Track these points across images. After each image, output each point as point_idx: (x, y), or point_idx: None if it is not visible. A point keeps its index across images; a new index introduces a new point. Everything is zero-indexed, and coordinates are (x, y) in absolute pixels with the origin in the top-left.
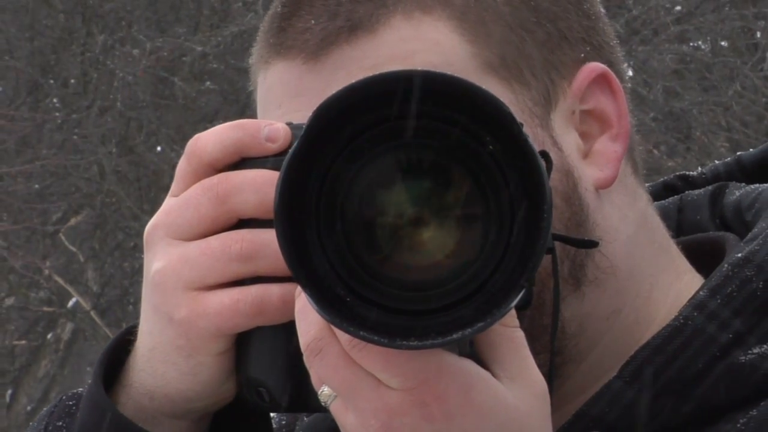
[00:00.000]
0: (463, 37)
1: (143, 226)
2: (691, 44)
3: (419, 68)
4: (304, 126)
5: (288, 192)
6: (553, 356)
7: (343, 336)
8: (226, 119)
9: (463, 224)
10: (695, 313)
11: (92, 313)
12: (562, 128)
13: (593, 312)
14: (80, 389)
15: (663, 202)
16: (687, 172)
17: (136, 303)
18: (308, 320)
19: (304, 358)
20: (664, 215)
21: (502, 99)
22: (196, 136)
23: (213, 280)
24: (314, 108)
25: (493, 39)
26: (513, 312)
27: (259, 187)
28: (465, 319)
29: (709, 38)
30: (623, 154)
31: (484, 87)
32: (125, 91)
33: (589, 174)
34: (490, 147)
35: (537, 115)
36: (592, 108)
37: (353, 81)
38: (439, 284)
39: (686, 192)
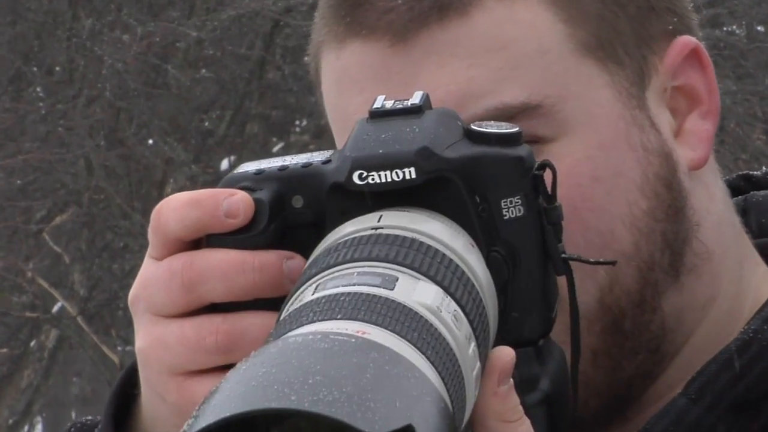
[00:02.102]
0: (558, 16)
1: (134, 225)
2: (725, 29)
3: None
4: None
5: None
6: (575, 389)
7: None
8: (222, 109)
9: None
10: (765, 327)
11: (79, 318)
12: (656, 107)
13: (691, 302)
14: (89, 418)
15: None
16: (750, 172)
17: (127, 309)
18: None
19: None
20: None
21: (599, 81)
22: (158, 207)
23: (194, 368)
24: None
25: (587, 16)
26: (517, 401)
27: (225, 273)
28: None
29: (744, 22)
30: (714, 132)
31: (571, 75)
32: (114, 80)
33: (682, 155)
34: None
35: (634, 95)
36: (682, 84)
37: (441, 75)
38: None
39: (751, 193)
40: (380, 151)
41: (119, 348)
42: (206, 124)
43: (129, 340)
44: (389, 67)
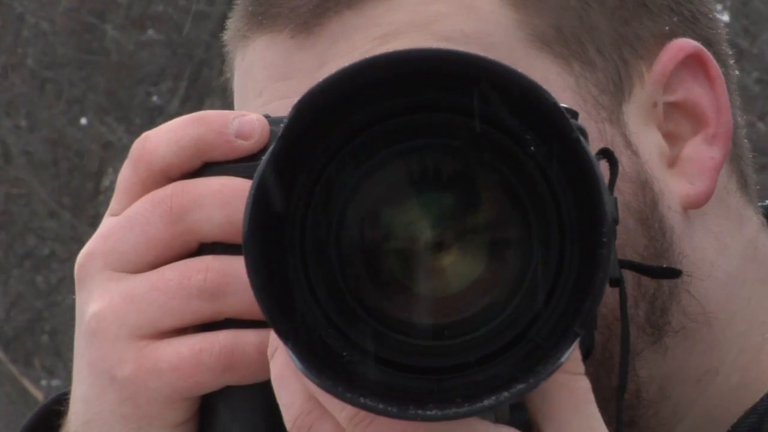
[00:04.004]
0: (507, 0)
1: (63, 226)
2: None
3: (433, 46)
4: (284, 120)
5: (262, 210)
6: (620, 427)
7: (336, 408)
8: (175, 80)
9: (496, 251)
10: None
11: None
12: (638, 125)
13: (680, 372)
14: None
15: None
16: None
17: (54, 333)
18: (292, 387)
19: None
20: None
21: (558, 83)
22: (144, 135)
23: (167, 324)
24: (303, 92)
25: (546, 3)
26: (577, 354)
27: (227, 200)
28: (500, 379)
29: None
30: (722, 161)
31: (522, 69)
32: (38, 43)
33: (675, 188)
34: (531, 148)
35: (604, 105)
36: (680, 99)
37: (353, 60)
38: (466, 331)
39: None
40: None
41: (43, 382)
42: (154, 98)
43: (56, 371)
44: (292, 62)
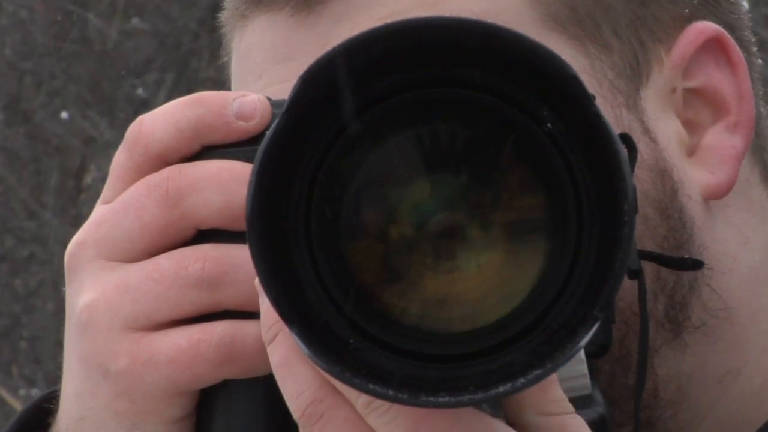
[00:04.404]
0: None
1: (42, 227)
2: None
3: (446, 15)
4: (290, 92)
5: (266, 191)
6: (637, 428)
7: (352, 394)
8: (161, 72)
9: (511, 234)
10: None
11: None
12: (656, 111)
13: (700, 371)
14: None
15: None
16: None
17: (33, 340)
18: (299, 375)
19: (300, 427)
20: None
21: (572, 65)
22: (140, 118)
23: (164, 315)
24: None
25: None
26: (561, 395)
27: (226, 184)
28: (516, 366)
29: None
30: (744, 151)
31: (543, 43)
32: (17, 33)
33: (695, 177)
34: (549, 125)
35: (620, 90)
36: (700, 86)
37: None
38: (480, 317)
39: None
40: None
41: (22, 391)
42: (140, 91)
43: (35, 380)
44: (293, 43)
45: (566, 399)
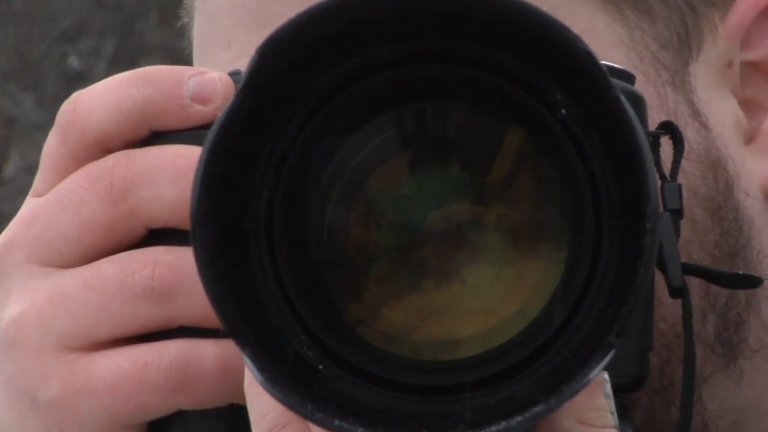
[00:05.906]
0: None
1: None
2: None
3: None
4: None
5: (216, 184)
6: None
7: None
8: (100, 38)
9: (515, 241)
10: None
11: None
12: (708, 90)
13: (759, 403)
14: None
15: None
16: None
17: None
18: (266, 395)
19: None
20: None
21: (607, 36)
22: (74, 96)
23: (104, 332)
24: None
25: None
26: (605, 404)
27: (182, 173)
28: (517, 401)
29: None
30: None
31: (554, 15)
32: None
33: (754, 169)
34: (563, 111)
35: (665, 65)
36: (762, 58)
37: None
38: (476, 343)
39: None
40: None
41: None
42: (72, 61)
43: None
44: (267, 4)
45: (609, 410)
